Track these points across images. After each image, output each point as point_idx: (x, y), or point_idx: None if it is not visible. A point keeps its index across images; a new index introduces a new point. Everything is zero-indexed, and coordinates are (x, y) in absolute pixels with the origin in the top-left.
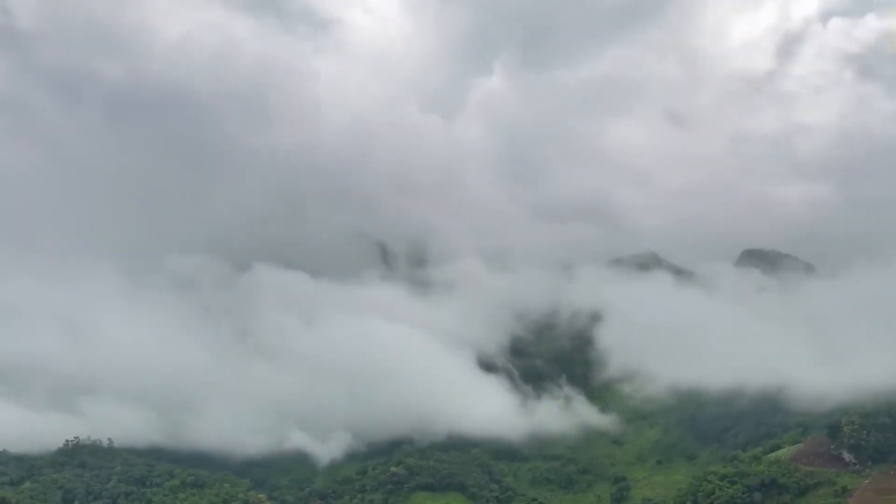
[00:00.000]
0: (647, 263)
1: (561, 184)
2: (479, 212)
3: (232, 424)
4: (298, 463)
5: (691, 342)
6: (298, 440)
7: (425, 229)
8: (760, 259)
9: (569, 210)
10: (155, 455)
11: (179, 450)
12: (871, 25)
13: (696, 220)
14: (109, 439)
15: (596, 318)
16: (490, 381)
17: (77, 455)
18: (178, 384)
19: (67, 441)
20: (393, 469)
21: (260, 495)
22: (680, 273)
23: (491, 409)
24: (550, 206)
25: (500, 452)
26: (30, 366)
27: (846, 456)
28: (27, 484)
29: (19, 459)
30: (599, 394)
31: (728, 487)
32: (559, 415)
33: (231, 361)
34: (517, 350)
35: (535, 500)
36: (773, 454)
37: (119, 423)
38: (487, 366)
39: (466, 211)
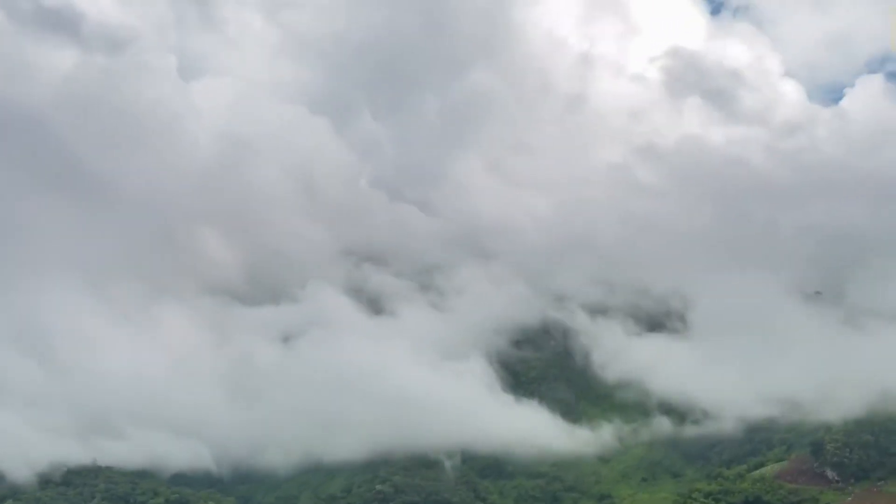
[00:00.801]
0: None
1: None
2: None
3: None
4: (284, 480)
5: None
6: (281, 457)
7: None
8: None
9: None
10: (139, 474)
11: (162, 468)
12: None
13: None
14: (94, 458)
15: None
16: (478, 397)
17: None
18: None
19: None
20: (378, 487)
21: None
22: None
23: (478, 425)
24: None
25: (486, 470)
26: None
27: (829, 473)
28: (9, 503)
29: (1, 478)
30: (585, 410)
31: None
32: (544, 432)
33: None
34: (502, 365)
35: None
36: (758, 472)
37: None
38: (474, 380)
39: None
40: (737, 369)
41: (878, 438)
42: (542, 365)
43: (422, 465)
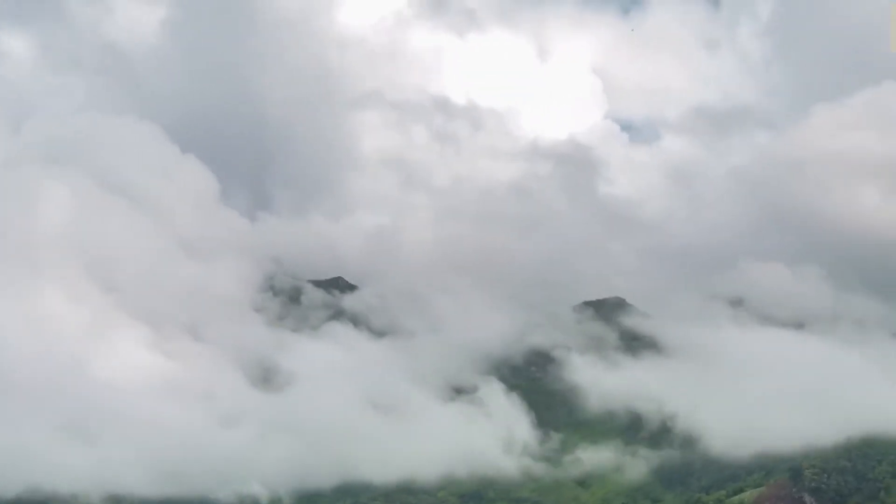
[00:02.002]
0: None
1: None
2: None
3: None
4: None
5: None
6: (255, 488)
7: None
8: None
9: None
10: (114, 499)
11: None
12: None
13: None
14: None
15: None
16: (454, 422)
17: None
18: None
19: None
20: None
21: None
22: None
23: (456, 450)
24: None
25: (466, 496)
26: None
27: (807, 499)
28: None
29: None
30: (567, 435)
31: None
32: (525, 457)
33: None
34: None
35: None
36: (737, 497)
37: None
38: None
39: None
40: (716, 395)
41: (855, 464)
42: (521, 390)
43: (403, 491)
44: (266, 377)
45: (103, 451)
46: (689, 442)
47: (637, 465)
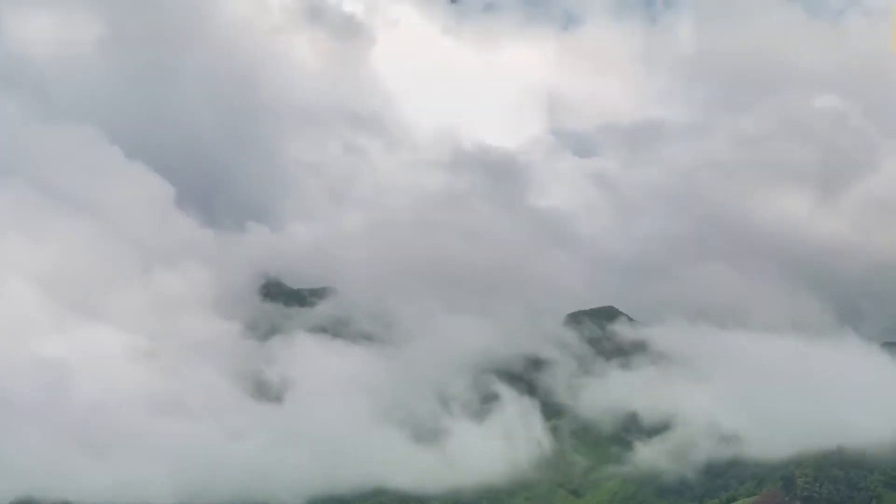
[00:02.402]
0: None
1: None
2: None
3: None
4: None
5: None
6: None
7: None
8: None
9: None
10: None
11: None
12: None
13: None
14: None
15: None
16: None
17: None
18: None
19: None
20: None
21: None
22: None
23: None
24: None
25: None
26: None
27: None
28: None
29: None
30: (559, 443)
31: None
32: (518, 464)
33: None
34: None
35: None
36: None
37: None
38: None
39: None
40: (710, 403)
41: (847, 473)
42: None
43: (399, 500)
44: (260, 388)
45: (116, 466)
46: (682, 451)
47: (630, 474)
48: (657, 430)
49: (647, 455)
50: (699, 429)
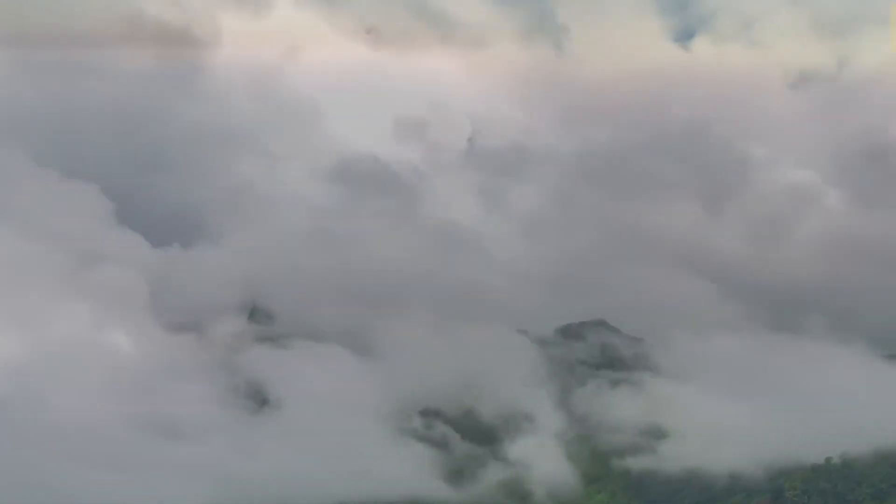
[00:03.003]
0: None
1: None
2: None
3: None
4: None
5: None
6: None
7: None
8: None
9: None
10: None
11: None
12: None
13: None
14: None
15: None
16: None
17: None
18: None
19: None
20: None
21: None
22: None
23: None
24: None
25: None
26: None
27: None
28: None
29: None
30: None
31: None
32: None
33: None
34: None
35: None
36: None
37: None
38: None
39: None
40: (697, 415)
41: (836, 485)
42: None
43: None
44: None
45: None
46: (670, 464)
47: (619, 487)
48: (646, 444)
49: (636, 468)
50: (688, 442)
